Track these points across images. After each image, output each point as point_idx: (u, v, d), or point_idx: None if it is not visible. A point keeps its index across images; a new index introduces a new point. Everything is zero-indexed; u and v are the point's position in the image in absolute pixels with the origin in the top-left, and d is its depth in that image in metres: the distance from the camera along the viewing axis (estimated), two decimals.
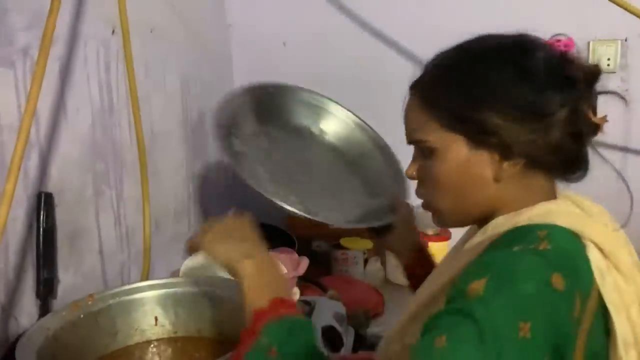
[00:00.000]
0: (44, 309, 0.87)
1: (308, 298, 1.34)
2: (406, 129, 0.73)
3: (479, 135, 0.66)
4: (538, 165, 0.66)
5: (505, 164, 0.65)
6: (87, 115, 1.02)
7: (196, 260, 1.15)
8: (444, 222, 0.74)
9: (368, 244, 1.74)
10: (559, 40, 0.73)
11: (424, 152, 0.70)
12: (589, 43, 1.73)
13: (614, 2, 1.31)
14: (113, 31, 1.10)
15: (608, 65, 1.73)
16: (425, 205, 0.74)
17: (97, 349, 0.86)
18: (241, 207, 1.96)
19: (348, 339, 1.20)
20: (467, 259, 0.63)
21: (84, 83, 1.01)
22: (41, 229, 0.86)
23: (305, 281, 1.55)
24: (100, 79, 1.06)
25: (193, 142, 1.53)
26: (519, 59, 0.66)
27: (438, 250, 1.79)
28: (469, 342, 0.49)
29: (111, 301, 0.89)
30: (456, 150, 0.67)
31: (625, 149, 1.78)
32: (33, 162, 0.88)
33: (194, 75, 1.52)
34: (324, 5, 1.80)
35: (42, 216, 0.87)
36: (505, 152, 0.65)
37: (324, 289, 1.50)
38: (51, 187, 0.91)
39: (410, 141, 0.73)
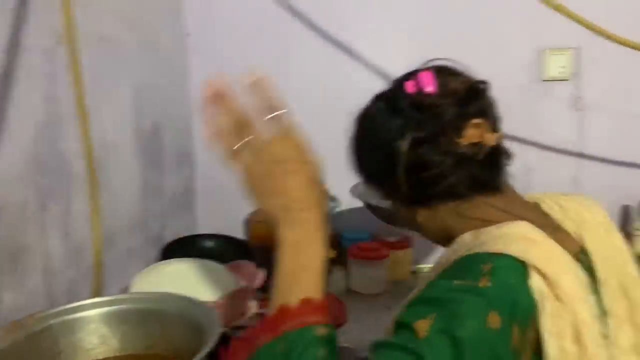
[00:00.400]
0: None
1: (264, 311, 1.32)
2: None
3: (377, 190, 0.79)
4: (445, 200, 0.73)
5: (415, 209, 0.76)
6: (29, 128, 0.99)
7: (147, 276, 1.12)
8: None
9: (330, 253, 1.73)
10: (415, 76, 0.74)
11: None
12: (542, 52, 1.77)
13: (563, 13, 1.33)
14: (59, 41, 1.06)
15: (561, 73, 1.77)
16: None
17: None
18: (200, 218, 1.95)
19: None
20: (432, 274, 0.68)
21: (26, 95, 0.97)
22: None
23: (266, 293, 1.54)
24: (44, 90, 1.03)
25: (148, 153, 1.50)
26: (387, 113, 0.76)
27: (400, 256, 1.80)
28: None
29: (53, 321, 0.85)
30: (394, 205, 0.79)
31: (580, 155, 1.82)
32: None
33: (148, 85, 1.49)
34: (280, 14, 1.79)
35: None
36: (402, 201, 0.76)
37: None
38: None
39: None
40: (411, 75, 0.73)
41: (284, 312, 0.59)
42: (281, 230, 0.63)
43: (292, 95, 1.94)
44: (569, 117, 1.79)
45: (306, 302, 0.60)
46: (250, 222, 1.86)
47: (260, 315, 1.22)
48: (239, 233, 1.90)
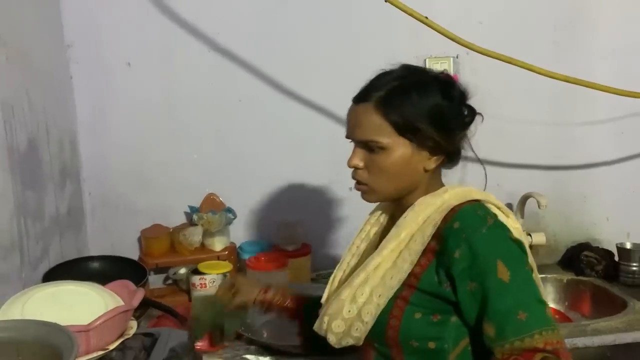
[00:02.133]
0: None
1: (151, 330, 1.28)
2: (356, 128, 0.99)
3: (421, 140, 0.96)
4: (449, 159, 1.02)
5: (434, 159, 0.99)
6: None
7: (14, 303, 1.05)
8: (374, 198, 1.03)
9: (227, 266, 1.71)
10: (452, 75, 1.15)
11: (372, 148, 0.98)
12: (425, 60, 1.85)
13: (432, 28, 1.41)
14: None
15: None
16: (360, 185, 1.01)
17: None
18: (91, 238, 1.85)
19: None
20: (408, 231, 0.96)
21: None
22: None
23: (160, 309, 1.49)
24: None
25: (23, 172, 1.41)
26: (446, 93, 0.98)
27: (300, 264, 1.81)
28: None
29: None
30: (403, 150, 0.97)
31: (463, 157, 1.90)
32: None
33: (20, 100, 1.41)
34: (166, 23, 1.76)
35: None
36: (434, 151, 0.98)
37: (179, 319, 1.45)
38: None
39: (361, 140, 0.99)
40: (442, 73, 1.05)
41: None
42: None
43: (178, 103, 1.91)
44: None
45: None
46: (142, 239, 1.80)
47: (143, 336, 1.18)
48: (134, 251, 1.84)
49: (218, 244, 1.77)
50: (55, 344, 0.79)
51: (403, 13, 1.41)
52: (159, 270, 1.75)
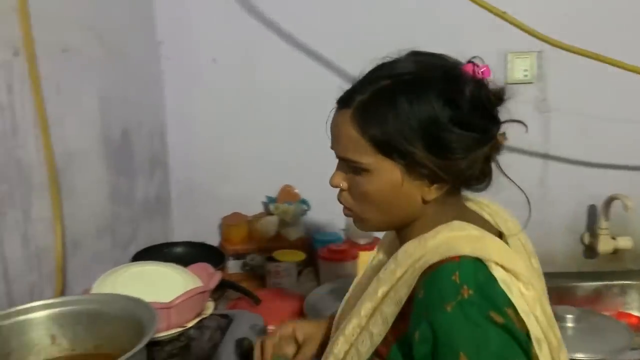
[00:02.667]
0: None
1: (227, 311, 1.36)
2: (336, 143, 0.79)
3: (411, 164, 0.73)
4: (458, 185, 0.77)
5: (433, 187, 0.75)
6: None
7: (106, 279, 1.15)
8: (366, 228, 0.83)
9: (301, 255, 1.77)
10: (477, 65, 0.76)
11: (355, 170, 0.76)
12: (506, 55, 1.81)
13: (510, 22, 1.38)
14: (16, 52, 1.10)
15: (525, 76, 1.80)
16: (349, 212, 0.82)
17: None
18: (176, 224, 1.98)
19: None
20: (386, 288, 0.73)
21: None
22: None
23: (238, 292, 1.57)
24: (0, 101, 1.06)
25: (117, 160, 1.54)
26: (449, 97, 0.72)
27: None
28: None
29: (3, 322, 0.89)
30: (389, 174, 0.74)
31: (545, 156, 1.85)
32: None
33: (116, 94, 1.53)
34: (250, 21, 1.83)
35: None
36: (433, 178, 0.74)
37: (256, 300, 1.52)
38: None
39: (340, 157, 0.78)
40: (467, 63, 0.76)
41: None
42: None
43: (260, 98, 1.99)
44: (534, 120, 1.82)
45: None
46: (223, 226, 1.89)
47: (219, 317, 1.25)
48: (214, 237, 1.94)
49: (292, 234, 1.83)
50: (139, 317, 0.87)
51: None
52: (237, 256, 1.84)
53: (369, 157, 0.74)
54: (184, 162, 1.93)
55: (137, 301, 0.92)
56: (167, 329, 1.08)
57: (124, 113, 1.58)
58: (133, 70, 1.67)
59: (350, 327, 0.76)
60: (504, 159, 1.81)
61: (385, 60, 0.79)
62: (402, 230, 0.81)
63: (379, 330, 0.73)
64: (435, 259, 0.69)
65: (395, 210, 0.77)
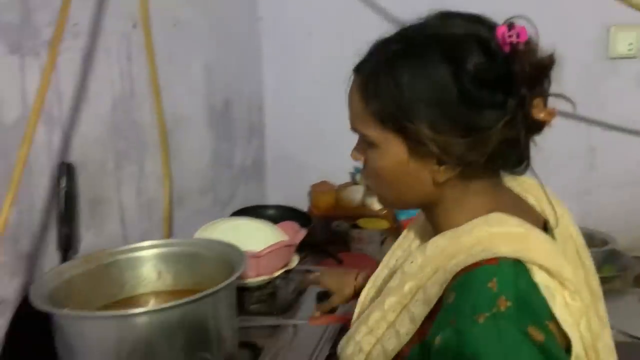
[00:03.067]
0: (64, 260, 1.04)
1: (311, 267, 1.46)
2: (349, 113, 0.72)
3: (414, 142, 0.64)
4: (475, 169, 0.65)
5: (442, 168, 0.65)
6: (107, 99, 1.18)
7: (206, 230, 1.29)
8: (385, 205, 0.79)
9: (384, 224, 1.83)
10: (513, 27, 0.63)
11: (367, 143, 0.69)
12: (609, 28, 1.73)
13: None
14: (134, 25, 1.25)
15: (630, 50, 1.72)
16: (368, 188, 0.78)
17: (107, 297, 1.02)
18: (269, 188, 2.11)
19: None
20: (413, 284, 0.66)
21: (105, 71, 1.17)
22: (62, 193, 1.03)
23: (323, 254, 1.67)
24: (121, 67, 1.22)
25: (219, 126, 1.68)
26: (459, 67, 0.62)
27: None
28: None
29: (120, 256, 1.04)
30: (395, 150, 0.66)
31: None
32: (57, 136, 1.04)
33: (219, 66, 1.66)
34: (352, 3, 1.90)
35: (62, 182, 1.03)
36: (440, 159, 0.64)
37: (339, 261, 1.62)
38: (73, 159, 1.07)
39: (352, 128, 0.71)
40: (503, 25, 0.64)
41: None
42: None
43: (350, 73, 2.04)
44: (637, 96, 1.74)
45: None
46: (312, 193, 2.00)
47: (304, 272, 1.36)
48: (304, 203, 2.06)
49: (377, 204, 1.90)
50: (233, 261, 0.98)
51: None
52: (323, 222, 1.94)
53: (374, 131, 0.66)
54: (279, 132, 2.05)
55: (231, 246, 1.03)
56: (256, 276, 1.19)
57: (226, 84, 1.71)
58: (235, 44, 1.80)
59: (374, 319, 0.69)
60: (600, 136, 1.78)
61: (411, 23, 0.69)
62: (428, 213, 0.73)
63: (406, 329, 0.66)
64: (470, 261, 0.61)
65: (405, 190, 0.69)
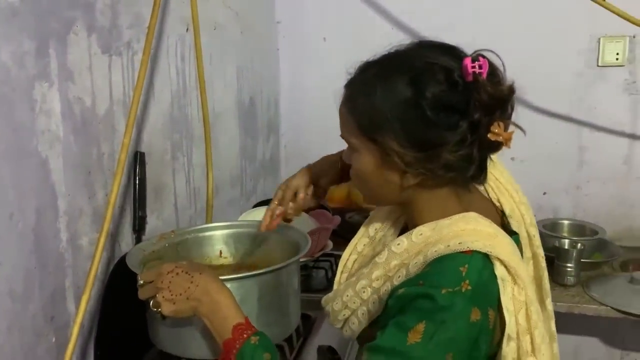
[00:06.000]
0: (138, 240, 1.15)
1: (340, 252, 1.60)
2: (339, 121, 0.82)
3: (383, 152, 0.76)
4: (436, 179, 0.76)
5: (408, 175, 0.76)
6: (167, 94, 1.30)
7: (247, 216, 1.42)
8: (367, 202, 0.88)
9: None
10: (477, 59, 0.72)
11: (351, 148, 0.81)
12: (599, 39, 1.92)
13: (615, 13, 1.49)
14: (187, 28, 1.37)
15: (617, 59, 1.91)
16: (354, 186, 0.86)
17: None
18: (280, 182, 2.23)
19: None
20: (398, 262, 0.77)
21: (166, 69, 1.28)
22: (137, 179, 1.14)
23: (344, 239, 1.81)
24: (177, 66, 1.34)
25: (245, 122, 1.80)
26: (421, 91, 0.72)
27: None
28: None
29: (188, 236, 1.16)
30: (370, 157, 0.78)
31: (632, 136, 1.96)
32: (134, 128, 1.16)
33: (247, 66, 1.79)
34: (358, 4, 2.04)
35: (137, 169, 1.14)
36: (405, 167, 0.75)
37: None
38: (144, 148, 1.19)
39: (341, 135, 0.82)
40: (470, 56, 0.73)
41: (227, 344, 0.79)
42: (197, 315, 0.84)
43: None
44: (623, 101, 1.93)
45: (238, 326, 0.80)
46: None
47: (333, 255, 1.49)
48: None
49: None
50: (295, 240, 1.11)
51: None
52: (337, 213, 2.08)
53: (355, 139, 0.78)
54: (293, 129, 2.19)
55: (292, 228, 1.16)
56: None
57: (251, 82, 1.84)
58: (258, 46, 1.93)
59: (360, 286, 0.82)
60: (589, 137, 1.96)
61: (398, 47, 0.80)
62: (403, 210, 0.86)
63: (387, 296, 0.77)
64: (448, 250, 0.73)
65: (379, 190, 0.80)
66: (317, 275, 1.43)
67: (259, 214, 1.44)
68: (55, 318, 0.95)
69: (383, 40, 2.16)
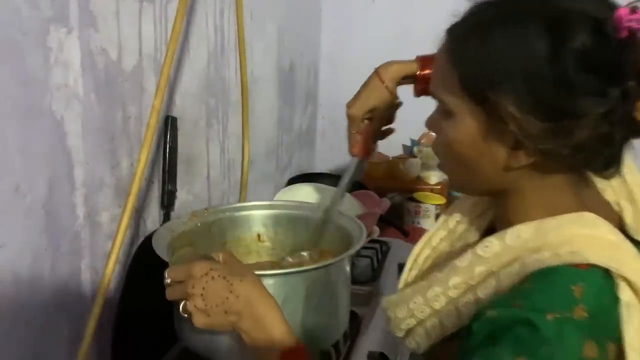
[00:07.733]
0: (166, 217, 1.01)
1: (386, 239, 1.45)
2: (432, 76, 0.66)
3: (493, 117, 0.58)
4: (556, 163, 0.59)
5: (521, 153, 0.59)
6: (204, 53, 1.14)
7: (286, 193, 1.27)
8: (452, 187, 0.73)
9: (440, 199, 1.82)
10: (636, 10, 0.55)
11: (443, 112, 0.63)
12: None
13: None
14: None
15: None
16: (439, 167, 0.70)
17: (208, 255, 0.99)
18: (318, 155, 2.08)
19: None
20: (485, 269, 0.61)
21: (203, 24, 1.12)
22: (167, 148, 1.00)
23: (387, 224, 1.66)
24: (215, 22, 1.17)
25: (284, 90, 1.64)
26: (563, 43, 0.55)
27: None
28: None
29: (222, 215, 1.01)
30: (471, 123, 0.60)
31: None
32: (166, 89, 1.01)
33: (288, 28, 1.62)
34: None
35: (168, 137, 1.00)
36: (518, 142, 0.58)
37: (404, 233, 1.60)
38: (176, 112, 1.04)
39: (431, 92, 0.65)
40: (625, 7, 0.55)
41: None
42: (237, 332, 0.67)
43: (414, 43, 2.00)
44: None
45: (286, 353, 0.64)
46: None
47: (379, 242, 1.34)
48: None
49: (433, 178, 1.88)
50: (346, 227, 0.96)
51: None
52: (376, 192, 1.92)
53: (454, 98, 0.60)
54: (331, 99, 2.02)
55: (342, 214, 1.00)
56: None
57: (292, 46, 1.67)
58: (301, 8, 1.75)
59: (433, 293, 0.66)
60: None
61: None
62: (496, 204, 0.67)
63: (468, 311, 0.62)
64: (557, 261, 0.56)
65: (474, 171, 0.63)
66: (360, 265, 1.28)
67: (298, 192, 1.30)
68: (68, 308, 0.81)
69: (440, 5, 1.93)
